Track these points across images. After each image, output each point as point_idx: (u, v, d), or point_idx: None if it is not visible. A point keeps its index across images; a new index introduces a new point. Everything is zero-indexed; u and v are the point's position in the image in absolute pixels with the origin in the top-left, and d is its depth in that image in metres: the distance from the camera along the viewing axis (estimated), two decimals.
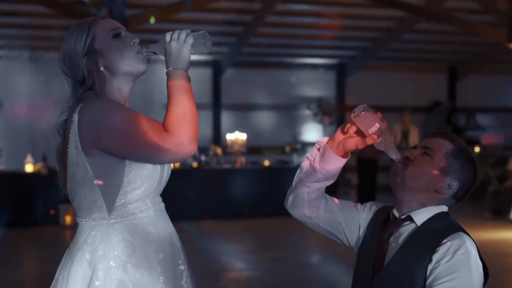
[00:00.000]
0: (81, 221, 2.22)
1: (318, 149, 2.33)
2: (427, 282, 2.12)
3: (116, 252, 2.14)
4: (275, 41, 13.46)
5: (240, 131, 12.50)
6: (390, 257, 2.23)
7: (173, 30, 2.17)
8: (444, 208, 2.29)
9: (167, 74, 2.14)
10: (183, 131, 2.06)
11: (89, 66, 2.24)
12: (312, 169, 2.34)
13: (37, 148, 11.89)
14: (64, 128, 2.25)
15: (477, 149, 12.43)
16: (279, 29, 12.76)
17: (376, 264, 2.25)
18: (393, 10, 11.42)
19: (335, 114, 14.42)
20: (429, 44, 14.03)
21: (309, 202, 2.40)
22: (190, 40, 2.14)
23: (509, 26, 9.49)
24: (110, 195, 2.16)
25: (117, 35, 2.27)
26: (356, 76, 14.66)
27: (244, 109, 14.34)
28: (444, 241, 2.15)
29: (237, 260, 8.05)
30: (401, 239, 2.24)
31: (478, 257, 2.15)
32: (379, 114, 2.20)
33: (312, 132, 14.36)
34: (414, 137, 11.71)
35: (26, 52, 13.01)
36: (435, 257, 2.13)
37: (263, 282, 6.89)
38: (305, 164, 2.37)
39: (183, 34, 2.13)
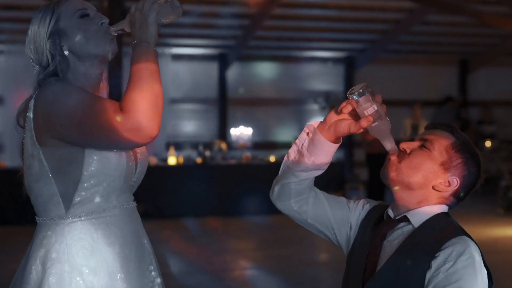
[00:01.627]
0: (38, 219, 2.05)
1: (307, 134, 2.10)
2: None
3: (72, 255, 1.95)
4: (282, 34, 13.42)
5: (246, 126, 12.52)
6: (384, 262, 2.01)
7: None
8: (444, 208, 2.06)
9: (132, 47, 1.93)
10: (141, 109, 1.83)
11: (52, 50, 2.06)
12: (300, 156, 2.11)
13: None
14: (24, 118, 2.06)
15: (488, 143, 12.19)
16: (286, 21, 12.72)
17: (368, 269, 2.04)
18: (403, 1, 11.30)
19: None
20: (439, 37, 13.91)
21: (296, 194, 2.17)
22: (155, 8, 1.91)
23: None
24: (68, 191, 1.98)
25: (84, 16, 2.07)
26: (365, 70, 14.58)
27: (250, 103, 14.31)
28: (445, 245, 1.93)
29: (241, 258, 8.02)
30: (396, 242, 2.03)
31: (482, 263, 1.93)
32: (379, 96, 1.98)
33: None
34: None
35: None
36: (435, 264, 1.92)
37: (267, 281, 6.85)
38: (293, 150, 2.15)
39: (148, 2, 1.91)
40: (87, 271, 1.94)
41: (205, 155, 11.62)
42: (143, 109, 1.82)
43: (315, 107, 14.24)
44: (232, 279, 6.95)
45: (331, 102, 13.72)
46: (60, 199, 1.98)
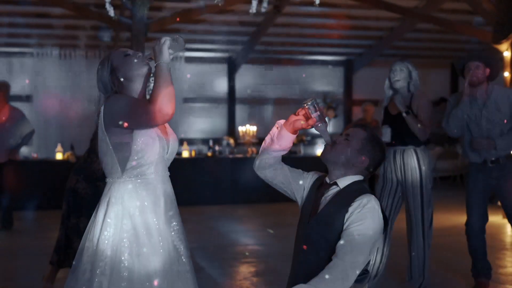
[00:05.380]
0: (107, 180, 3.21)
1: (277, 128, 3.31)
2: (344, 226, 3.01)
3: (123, 200, 3.11)
4: (286, 39, 14.12)
5: (252, 123, 13.27)
6: (321, 209, 3.14)
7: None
8: (360, 177, 3.20)
9: (155, 66, 3.08)
10: (160, 99, 2.96)
11: (113, 81, 3.24)
12: (272, 142, 3.31)
13: (65, 138, 12.85)
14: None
15: None
16: (289, 28, 13.46)
17: (312, 213, 3.17)
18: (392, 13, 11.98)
19: (340, 108, 15.06)
20: (431, 42, 14.69)
21: (269, 166, 3.36)
22: (167, 42, 3.07)
23: (494, 27, 10.12)
24: (123, 161, 3.12)
25: (127, 55, 3.26)
26: (363, 72, 15.40)
27: (256, 103, 15.05)
28: (357, 199, 3.04)
29: (244, 237, 8.90)
30: (329, 197, 3.16)
31: (380, 210, 3.06)
32: (322, 107, 3.19)
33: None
34: None
35: (55, 50, 13.88)
36: (351, 209, 3.02)
37: (267, 255, 7.65)
38: (268, 138, 3.35)
39: (163, 39, 3.09)
40: (132, 210, 3.10)
41: (215, 149, 12.45)
42: (160, 99, 2.96)
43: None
44: (236, 252, 7.82)
45: (328, 103, 14.56)
46: (119, 167, 3.13)
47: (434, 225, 5.81)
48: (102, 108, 3.15)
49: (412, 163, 5.67)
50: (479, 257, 5.93)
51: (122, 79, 3.21)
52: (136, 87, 3.23)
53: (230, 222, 10.13)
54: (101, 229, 3.09)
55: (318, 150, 13.36)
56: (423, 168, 5.67)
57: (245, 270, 6.83)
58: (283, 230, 8.98)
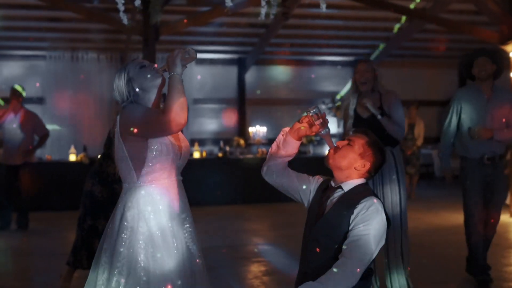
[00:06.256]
0: (124, 185, 3.38)
1: (283, 135, 3.48)
2: (350, 227, 3.17)
3: (139, 204, 3.27)
4: (295, 41, 14.21)
5: (262, 124, 13.41)
6: (326, 212, 3.31)
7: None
8: (363, 180, 3.37)
9: (169, 77, 3.23)
10: (174, 110, 3.11)
11: (129, 90, 3.40)
12: (278, 149, 3.49)
13: (78, 140, 13.02)
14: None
15: None
16: (298, 30, 13.56)
17: (318, 216, 3.33)
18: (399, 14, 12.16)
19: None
20: (439, 43, 14.67)
21: (276, 171, 3.53)
22: (179, 55, 3.22)
23: (499, 28, 10.23)
24: (138, 168, 3.28)
25: (142, 67, 3.43)
26: None
27: (266, 103, 15.13)
28: (362, 201, 3.21)
29: (254, 236, 9.00)
30: (334, 200, 3.32)
31: (383, 212, 3.22)
32: (325, 114, 3.36)
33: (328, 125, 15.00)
34: (419, 129, 12.35)
35: (68, 53, 14.06)
36: (356, 211, 3.18)
37: (276, 254, 7.77)
38: (274, 145, 3.53)
39: (176, 52, 3.24)
40: (147, 214, 3.26)
41: (225, 150, 12.55)
42: (174, 109, 3.10)
43: (323, 107, 14.91)
44: (246, 252, 7.93)
45: (337, 103, 14.63)
46: (134, 173, 3.29)
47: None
48: (118, 117, 3.33)
49: (390, 164, 5.63)
50: (479, 255, 6.03)
51: (137, 89, 3.38)
52: (151, 97, 3.40)
53: (241, 222, 10.24)
54: (118, 231, 3.27)
55: (327, 151, 13.40)
56: (399, 167, 5.67)
57: (255, 269, 6.95)
58: (293, 229, 9.08)
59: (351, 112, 5.86)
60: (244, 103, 15.18)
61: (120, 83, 3.41)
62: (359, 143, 3.36)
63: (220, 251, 7.83)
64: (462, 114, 6.14)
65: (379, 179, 5.64)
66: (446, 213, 10.51)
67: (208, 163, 12.14)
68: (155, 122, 3.18)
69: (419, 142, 12.44)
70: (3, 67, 14.13)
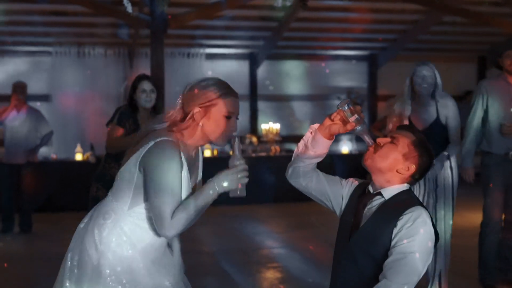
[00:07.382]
0: (109, 197, 3.02)
1: (311, 133, 3.02)
2: (392, 242, 2.73)
3: (122, 229, 2.92)
4: (308, 34, 13.87)
5: (275, 121, 13.02)
6: (364, 222, 2.86)
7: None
8: (406, 186, 2.91)
9: (209, 181, 2.92)
10: (180, 225, 2.79)
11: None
12: (306, 149, 3.03)
13: (84, 138, 12.69)
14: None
15: None
16: (311, 23, 13.19)
17: (353, 227, 2.89)
18: (418, 4, 11.79)
19: (364, 104, 14.77)
20: (457, 35, 14.34)
21: (303, 174, 3.07)
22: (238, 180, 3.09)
23: None
24: (137, 199, 2.91)
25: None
26: (387, 67, 15.01)
27: (279, 99, 14.76)
28: (407, 211, 2.76)
29: (268, 239, 8.66)
30: (373, 209, 2.87)
31: (431, 225, 2.78)
32: (359, 107, 2.89)
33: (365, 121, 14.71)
34: None
35: (74, 48, 13.73)
36: (400, 223, 2.74)
37: (292, 258, 7.43)
38: (301, 144, 3.07)
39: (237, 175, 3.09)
40: (127, 239, 2.91)
41: None
42: (181, 225, 2.79)
43: (338, 102, 14.51)
44: (261, 256, 7.63)
45: (353, 99, 14.28)
46: (130, 200, 2.91)
47: None
48: (148, 146, 2.89)
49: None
50: (492, 259, 5.78)
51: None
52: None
53: (254, 223, 9.92)
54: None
55: (343, 147, 13.06)
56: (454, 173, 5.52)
57: (271, 276, 6.63)
58: (308, 231, 8.84)
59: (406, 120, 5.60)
60: (256, 99, 14.80)
61: None
62: (404, 142, 2.90)
63: (233, 255, 7.51)
64: (489, 107, 5.81)
65: (433, 185, 5.38)
66: (469, 213, 10.07)
67: (218, 162, 11.47)
68: (160, 212, 2.79)
69: None
70: (7, 63, 13.74)
